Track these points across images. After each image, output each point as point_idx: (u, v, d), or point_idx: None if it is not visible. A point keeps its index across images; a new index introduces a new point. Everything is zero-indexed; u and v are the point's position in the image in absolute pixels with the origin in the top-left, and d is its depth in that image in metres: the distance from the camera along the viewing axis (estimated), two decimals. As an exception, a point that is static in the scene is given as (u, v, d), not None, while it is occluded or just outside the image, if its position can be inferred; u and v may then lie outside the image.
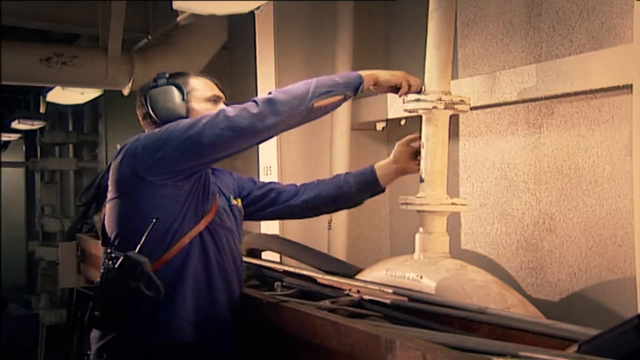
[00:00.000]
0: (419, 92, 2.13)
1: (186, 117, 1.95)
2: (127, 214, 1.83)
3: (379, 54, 3.45)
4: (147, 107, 1.99)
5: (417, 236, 2.24)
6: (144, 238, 1.75)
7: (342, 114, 3.25)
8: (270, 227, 3.35)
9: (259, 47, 3.51)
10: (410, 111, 2.23)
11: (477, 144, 2.72)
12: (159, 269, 1.80)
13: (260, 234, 3.15)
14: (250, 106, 1.77)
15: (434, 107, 2.15)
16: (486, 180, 2.68)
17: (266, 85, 3.44)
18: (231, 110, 1.77)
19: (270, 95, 1.79)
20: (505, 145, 2.60)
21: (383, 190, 2.26)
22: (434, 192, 2.18)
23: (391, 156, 2.23)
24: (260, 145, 3.52)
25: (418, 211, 2.23)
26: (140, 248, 1.74)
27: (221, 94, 2.06)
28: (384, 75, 2.04)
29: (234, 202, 2.11)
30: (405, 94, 2.09)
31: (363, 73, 1.97)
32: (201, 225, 1.89)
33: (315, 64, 3.38)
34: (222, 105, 2.03)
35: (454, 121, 2.58)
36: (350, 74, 1.96)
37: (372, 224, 3.50)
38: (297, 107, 1.79)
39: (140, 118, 2.05)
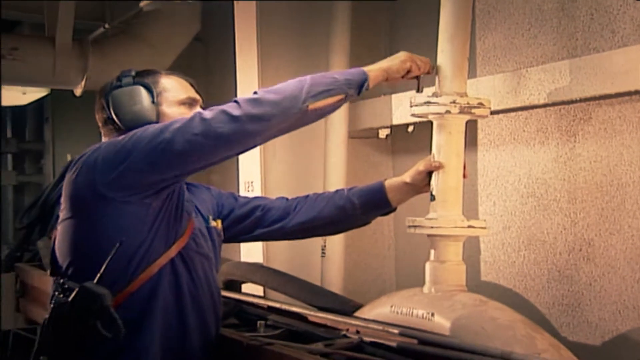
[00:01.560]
0: (428, 73, 2.14)
1: (156, 122, 1.95)
2: (84, 237, 1.82)
3: (382, 50, 3.46)
4: (109, 110, 1.99)
5: (428, 265, 2.23)
6: (104, 266, 1.74)
7: (338, 119, 3.25)
8: (252, 253, 3.34)
9: (238, 39, 3.52)
10: (418, 116, 2.24)
11: (499, 155, 2.73)
12: (121, 303, 1.79)
13: (239, 263, 3.15)
14: (231, 107, 1.76)
15: (447, 112, 2.16)
16: (510, 198, 2.69)
17: (247, 84, 3.45)
18: (208, 113, 1.77)
19: (256, 95, 1.79)
20: (533, 157, 2.61)
21: (394, 210, 2.26)
22: (448, 213, 2.18)
23: (406, 176, 2.22)
24: (241, 157, 3.55)
25: (429, 235, 2.22)
26: (100, 278, 1.74)
27: (197, 96, 2.06)
28: (394, 65, 2.04)
29: (212, 223, 2.10)
30: (417, 78, 2.10)
31: (367, 69, 1.97)
32: (173, 251, 1.88)
33: (306, 60, 3.39)
34: (198, 110, 2.02)
35: (471, 128, 2.59)
36: (351, 70, 1.96)
37: (374, 250, 3.49)
38: (288, 109, 1.79)
39: (100, 124, 2.05)
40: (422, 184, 2.20)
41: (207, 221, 2.08)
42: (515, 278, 2.67)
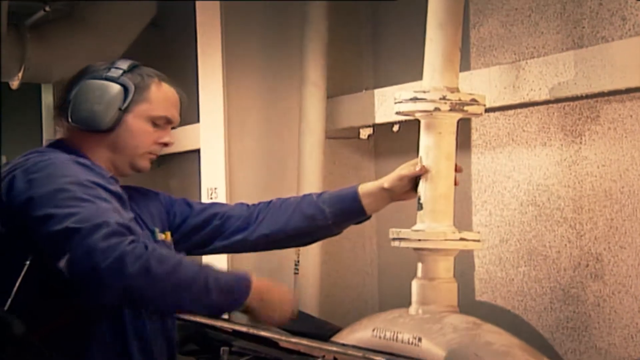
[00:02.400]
0: None
1: (110, 129, 1.97)
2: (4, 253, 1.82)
3: (363, 44, 3.47)
4: (69, 98, 2.00)
5: (415, 283, 2.24)
6: (15, 288, 1.74)
7: (314, 116, 3.27)
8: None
9: (199, 26, 3.54)
10: (404, 114, 2.24)
11: (495, 158, 2.73)
12: (49, 337, 1.78)
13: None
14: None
15: (436, 109, 2.17)
16: (508, 207, 2.68)
17: (210, 77, 3.47)
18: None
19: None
20: (533, 160, 2.60)
21: (368, 218, 2.28)
22: (437, 224, 2.20)
23: (385, 181, 2.23)
24: (203, 160, 3.55)
25: (415, 249, 2.24)
26: (12, 304, 1.74)
27: (177, 118, 2.10)
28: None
29: (160, 236, 2.09)
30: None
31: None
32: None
33: (277, 59, 3.43)
34: (165, 132, 2.05)
35: (463, 128, 2.57)
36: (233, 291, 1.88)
37: (354, 266, 3.50)
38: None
39: (55, 110, 2.08)
40: (402, 190, 2.22)
41: (153, 234, 2.06)
42: (513, 297, 2.66)
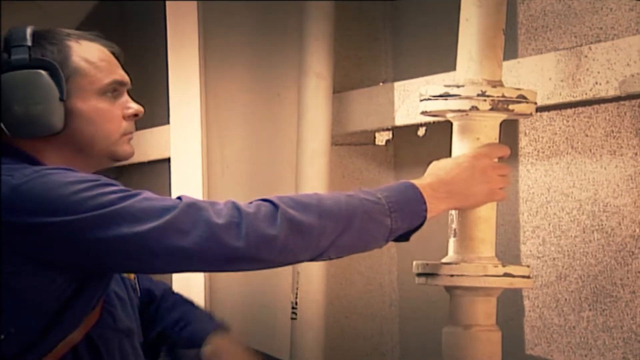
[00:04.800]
0: None
1: (63, 127, 1.96)
2: None
3: (379, 24, 3.48)
4: None
5: (446, 332, 2.24)
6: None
7: (316, 116, 3.28)
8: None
9: (169, 4, 3.58)
10: (432, 115, 2.24)
11: (550, 170, 2.74)
12: None
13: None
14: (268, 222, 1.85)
15: (473, 108, 2.16)
16: (567, 233, 2.69)
17: (183, 64, 3.48)
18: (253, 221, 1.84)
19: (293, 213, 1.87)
20: (599, 174, 2.61)
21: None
22: (475, 255, 2.19)
23: None
24: (174, 169, 3.54)
25: (447, 288, 2.23)
26: None
27: (126, 77, 2.10)
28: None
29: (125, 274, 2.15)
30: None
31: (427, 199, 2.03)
32: (77, 335, 1.92)
33: (272, 37, 3.45)
34: (125, 100, 2.07)
35: (509, 131, 2.57)
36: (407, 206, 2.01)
37: (368, 309, 3.48)
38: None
39: None
40: None
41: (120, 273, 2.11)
42: (574, 351, 2.66)
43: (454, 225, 2.21)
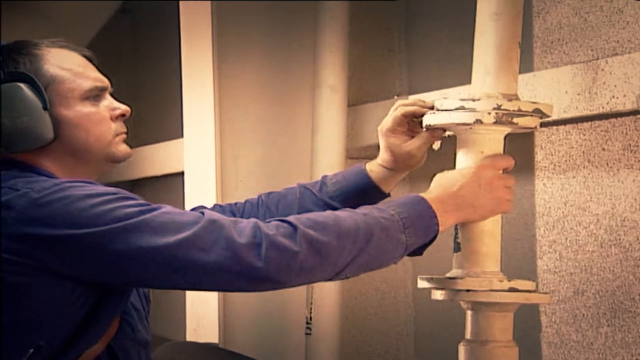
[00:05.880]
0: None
1: (55, 137, 1.96)
2: None
3: (394, 36, 3.48)
4: None
5: (462, 348, 2.23)
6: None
7: (331, 130, 3.28)
8: (202, 327, 3.36)
9: (184, 14, 3.56)
10: (434, 128, 2.24)
11: (566, 184, 2.73)
12: None
13: (184, 344, 3.12)
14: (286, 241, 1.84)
15: (477, 121, 2.14)
16: (584, 248, 2.68)
17: (197, 78, 3.48)
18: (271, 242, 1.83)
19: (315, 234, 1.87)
20: (617, 187, 2.60)
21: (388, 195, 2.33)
22: (479, 269, 2.17)
23: (383, 153, 2.32)
24: (188, 186, 3.55)
25: (464, 304, 2.22)
26: None
27: (105, 81, 2.08)
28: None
29: None
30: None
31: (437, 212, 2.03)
32: (99, 346, 1.92)
33: (287, 50, 3.44)
34: (108, 102, 2.05)
35: (525, 145, 2.57)
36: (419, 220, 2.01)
37: (384, 325, 3.48)
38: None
39: None
40: (398, 138, 2.30)
41: None
42: (592, 368, 2.65)
43: (458, 239, 2.19)
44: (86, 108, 2.00)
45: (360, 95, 3.38)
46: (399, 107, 2.24)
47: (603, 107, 2.49)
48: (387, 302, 3.46)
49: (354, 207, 2.04)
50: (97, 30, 4.53)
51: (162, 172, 4.18)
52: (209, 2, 3.42)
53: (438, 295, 2.22)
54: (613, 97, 2.46)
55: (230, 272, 1.78)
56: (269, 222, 1.84)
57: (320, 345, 3.23)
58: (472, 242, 2.18)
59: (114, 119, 2.05)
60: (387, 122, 2.26)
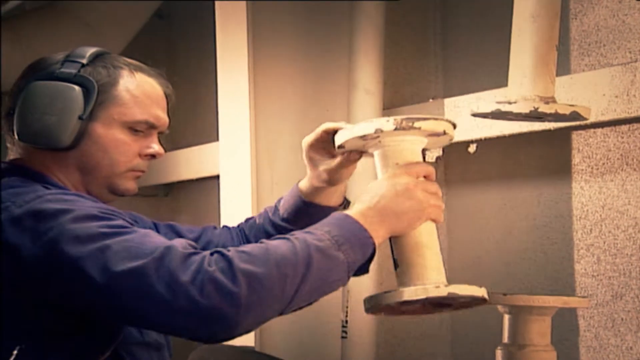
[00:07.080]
0: None
1: (72, 145, 1.95)
2: None
3: (430, 47, 3.48)
4: (14, 110, 1.97)
5: (500, 352, 2.25)
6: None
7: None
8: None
9: (219, 18, 3.55)
10: (344, 150, 2.11)
11: (604, 187, 2.73)
12: None
13: (218, 347, 3.13)
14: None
15: (378, 130, 1.97)
16: (622, 252, 2.68)
17: (233, 82, 3.48)
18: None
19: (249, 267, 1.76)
20: (656, 191, 2.60)
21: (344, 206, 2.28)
22: (419, 281, 1.97)
23: (311, 175, 2.24)
24: (224, 189, 3.55)
25: (501, 307, 2.24)
26: None
27: (163, 121, 2.06)
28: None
29: None
30: None
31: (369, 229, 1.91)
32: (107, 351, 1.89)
33: (322, 53, 3.44)
34: (150, 140, 2.03)
35: (563, 148, 2.57)
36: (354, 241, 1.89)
37: (419, 328, 3.48)
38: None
39: (4, 127, 2.05)
40: (317, 154, 2.19)
41: None
42: (632, 372, 2.64)
43: (395, 256, 2.01)
44: (122, 135, 1.99)
45: (396, 98, 3.38)
46: (323, 124, 2.17)
47: (642, 110, 2.50)
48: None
49: (307, 225, 1.97)
50: (133, 34, 4.54)
51: (198, 175, 4.19)
52: (244, 2, 3.42)
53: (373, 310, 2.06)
54: (653, 99, 2.47)
55: (172, 308, 1.70)
56: (212, 253, 1.76)
57: (356, 349, 3.23)
58: (408, 255, 1.99)
59: (143, 156, 2.03)
60: (310, 137, 2.18)
